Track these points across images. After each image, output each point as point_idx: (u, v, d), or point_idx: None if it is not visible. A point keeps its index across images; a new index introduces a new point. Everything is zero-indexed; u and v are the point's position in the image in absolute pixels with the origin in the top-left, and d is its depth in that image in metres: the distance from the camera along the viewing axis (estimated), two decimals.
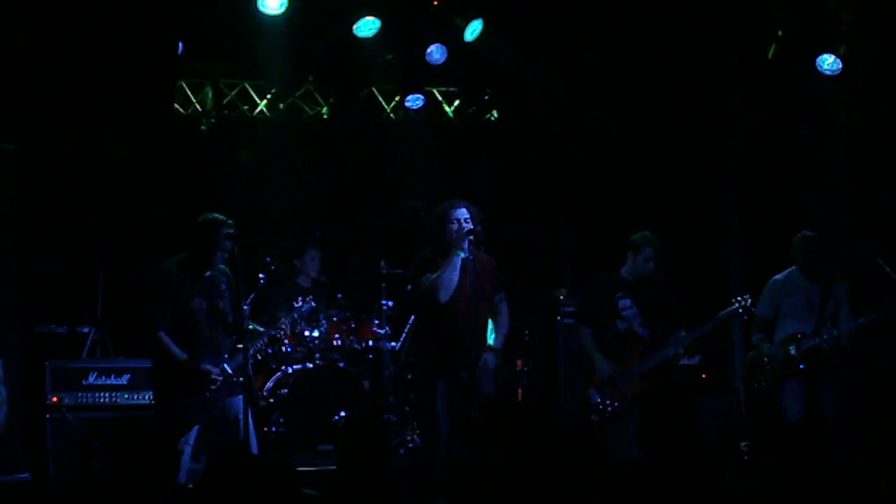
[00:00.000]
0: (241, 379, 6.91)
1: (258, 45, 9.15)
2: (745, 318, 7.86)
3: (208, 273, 6.98)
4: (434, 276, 7.12)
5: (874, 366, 8.79)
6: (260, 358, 8.28)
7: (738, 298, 7.82)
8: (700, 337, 7.84)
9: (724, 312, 7.81)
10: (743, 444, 8.59)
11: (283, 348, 9.10)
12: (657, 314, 7.78)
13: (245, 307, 7.32)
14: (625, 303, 7.76)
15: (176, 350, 6.88)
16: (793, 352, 7.84)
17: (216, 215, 6.98)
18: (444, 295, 7.09)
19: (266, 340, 7.42)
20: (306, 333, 9.14)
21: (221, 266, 7.02)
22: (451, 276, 7.10)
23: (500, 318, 7.41)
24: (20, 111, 8.02)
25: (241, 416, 6.86)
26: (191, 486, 6.86)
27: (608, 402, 7.64)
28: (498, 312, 7.41)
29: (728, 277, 10.16)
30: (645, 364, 7.70)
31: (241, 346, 6.88)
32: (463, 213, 7.17)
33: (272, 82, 10.34)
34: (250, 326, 7.20)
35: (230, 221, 6.95)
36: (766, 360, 7.97)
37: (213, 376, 6.91)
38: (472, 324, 7.19)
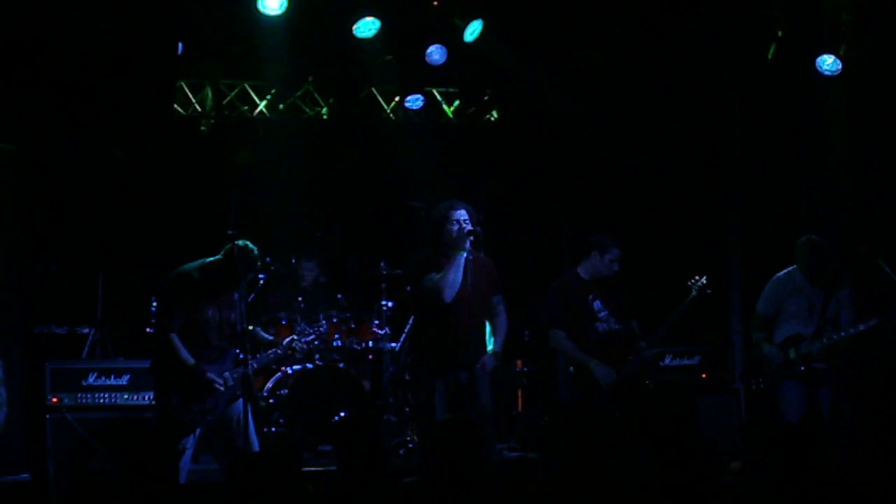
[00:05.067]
0: (239, 392, 6.94)
1: (258, 46, 9.15)
2: (710, 291, 7.77)
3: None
4: (438, 276, 7.12)
5: (872, 367, 8.79)
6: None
7: (692, 281, 7.77)
8: (671, 329, 7.76)
9: (686, 301, 7.75)
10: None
11: None
12: (622, 309, 7.78)
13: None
14: (597, 304, 7.74)
15: (185, 354, 6.89)
16: (792, 355, 7.84)
17: (256, 251, 7.01)
18: (449, 294, 7.09)
19: (281, 353, 7.43)
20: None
21: None
22: (456, 275, 7.11)
23: (499, 319, 7.39)
24: (20, 112, 8.02)
25: (241, 418, 6.88)
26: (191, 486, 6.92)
27: (614, 406, 7.61)
28: (496, 314, 7.39)
29: (728, 278, 10.16)
30: (635, 364, 7.70)
31: (242, 356, 6.91)
32: (462, 213, 7.19)
33: (272, 83, 10.33)
34: (249, 328, 7.20)
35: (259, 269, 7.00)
36: (765, 361, 7.96)
37: (216, 385, 6.92)
38: (471, 324, 7.20)
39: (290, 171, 10.35)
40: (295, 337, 7.48)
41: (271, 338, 7.64)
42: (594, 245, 7.78)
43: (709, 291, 7.72)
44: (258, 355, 7.35)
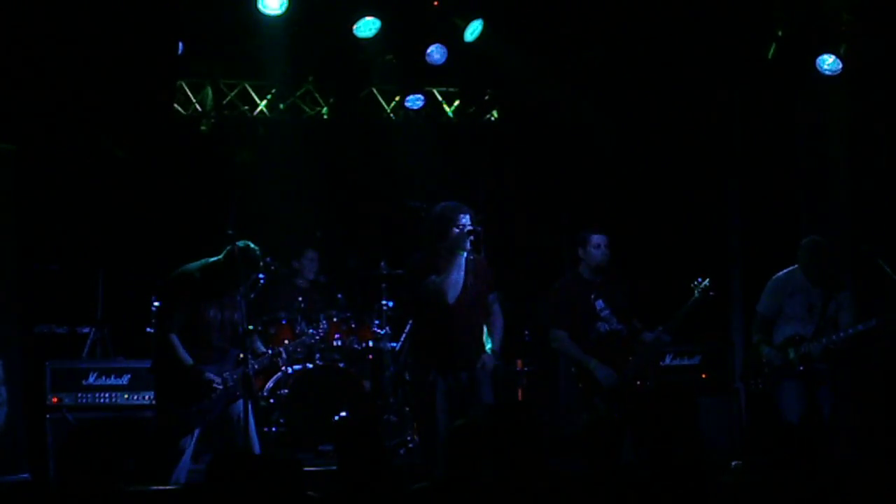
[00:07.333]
0: (239, 392, 6.94)
1: (258, 45, 9.15)
2: (712, 294, 7.78)
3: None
4: (440, 277, 7.11)
5: (872, 367, 8.79)
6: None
7: (695, 283, 7.77)
8: (674, 329, 7.76)
9: (689, 302, 7.75)
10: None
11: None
12: (624, 310, 7.79)
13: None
14: (600, 304, 7.73)
15: (184, 354, 6.89)
16: (791, 355, 7.83)
17: (258, 252, 7.02)
18: (452, 295, 7.09)
19: (267, 361, 7.42)
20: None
21: None
22: (458, 276, 7.11)
23: (495, 318, 7.40)
24: (20, 112, 8.02)
25: (241, 417, 6.88)
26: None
27: (615, 407, 7.59)
28: (492, 314, 7.40)
29: (728, 278, 10.16)
30: (636, 365, 7.69)
31: (243, 356, 6.91)
32: (468, 219, 7.17)
33: (272, 82, 10.34)
34: (249, 327, 7.20)
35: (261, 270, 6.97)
36: (764, 362, 7.96)
37: (215, 385, 6.92)
38: (471, 324, 7.22)
39: (290, 171, 10.34)
40: (282, 350, 7.47)
41: (264, 349, 7.57)
42: (576, 244, 7.83)
43: (711, 294, 7.73)
44: (259, 357, 7.35)
